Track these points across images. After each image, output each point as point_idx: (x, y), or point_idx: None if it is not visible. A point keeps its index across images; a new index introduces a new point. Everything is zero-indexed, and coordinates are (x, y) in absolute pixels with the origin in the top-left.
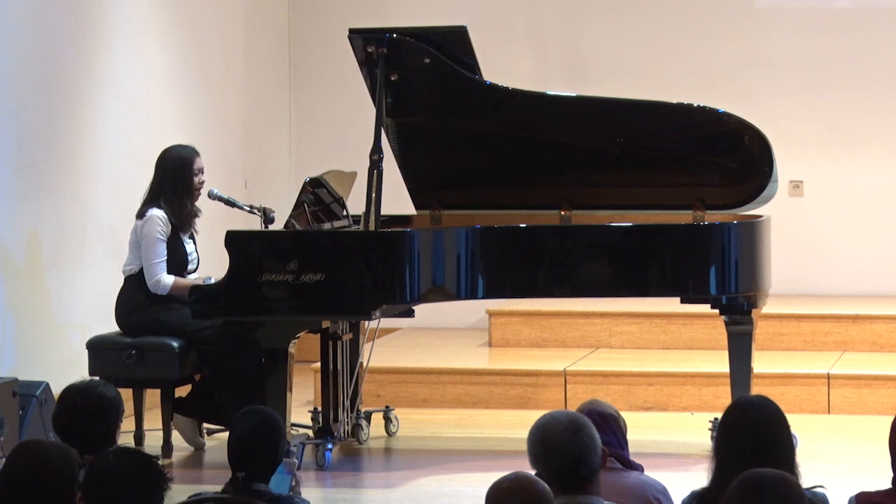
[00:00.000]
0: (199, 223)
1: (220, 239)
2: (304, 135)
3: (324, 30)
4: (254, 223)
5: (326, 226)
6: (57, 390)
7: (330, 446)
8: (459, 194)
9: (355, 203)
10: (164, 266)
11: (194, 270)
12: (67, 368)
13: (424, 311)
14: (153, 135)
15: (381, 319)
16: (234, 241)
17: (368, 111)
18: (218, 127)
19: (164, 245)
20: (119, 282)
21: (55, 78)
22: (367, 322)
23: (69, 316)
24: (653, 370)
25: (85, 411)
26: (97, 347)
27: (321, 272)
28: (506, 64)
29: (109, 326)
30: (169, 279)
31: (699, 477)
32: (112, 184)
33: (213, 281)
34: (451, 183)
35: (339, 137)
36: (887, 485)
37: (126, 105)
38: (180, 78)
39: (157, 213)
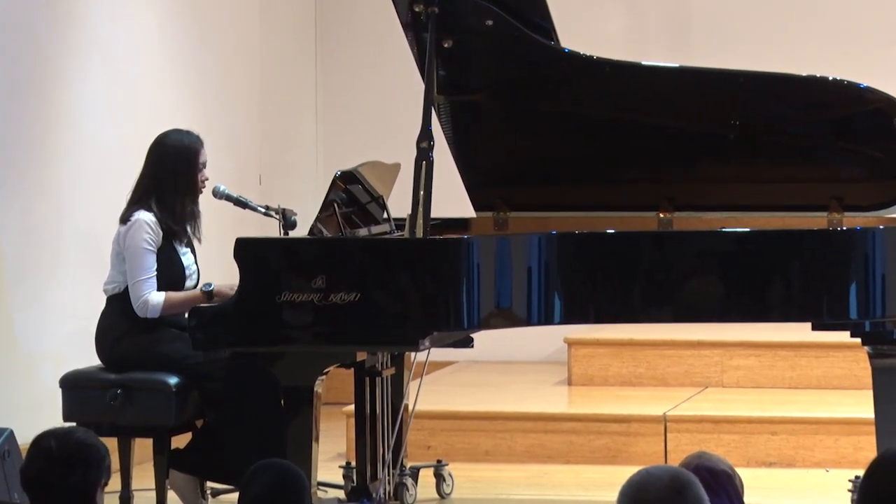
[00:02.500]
0: (202, 228)
1: (228, 249)
2: (333, 117)
3: None
4: (271, 229)
5: (362, 231)
6: (24, 439)
7: None
8: (530, 192)
9: (399, 203)
10: (152, 283)
11: (193, 287)
12: (36, 412)
13: (486, 341)
14: (144, 118)
15: (432, 350)
16: (246, 250)
17: (414, 87)
18: (226, 108)
19: (153, 256)
20: (100, 303)
21: (20, 47)
22: (413, 354)
23: (38, 346)
24: (776, 415)
25: (61, 459)
26: (74, 385)
27: (355, 291)
28: (591, 27)
29: (89, 359)
30: (158, 297)
31: None
32: (93, 179)
33: (214, 286)
34: (520, 177)
35: (377, 120)
36: None
37: (110, 81)
38: (179, 47)
39: (144, 217)
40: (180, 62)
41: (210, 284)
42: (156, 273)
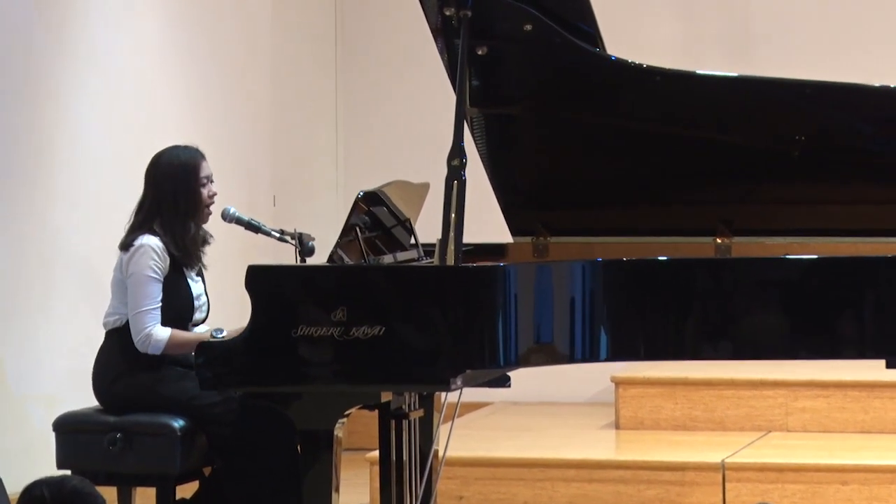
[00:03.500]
0: (211, 255)
1: (239, 277)
2: (355, 132)
3: None
4: (286, 255)
5: (387, 258)
6: (14, 488)
7: None
8: (573, 214)
9: (427, 227)
10: (157, 315)
11: (203, 320)
12: (27, 457)
13: (525, 380)
14: (146, 133)
15: (465, 391)
16: (259, 279)
17: (445, 99)
18: (235, 122)
19: (159, 286)
20: (98, 338)
21: (9, 55)
22: (444, 394)
23: (29, 385)
24: (847, 463)
25: None
26: (68, 429)
27: (380, 324)
28: (640, 32)
29: (85, 400)
30: (163, 333)
31: None
32: (89, 202)
33: (225, 335)
34: (562, 198)
35: (404, 135)
36: None
37: (109, 93)
38: (183, 55)
39: (150, 242)
40: (185, 72)
41: (221, 330)
42: (161, 304)
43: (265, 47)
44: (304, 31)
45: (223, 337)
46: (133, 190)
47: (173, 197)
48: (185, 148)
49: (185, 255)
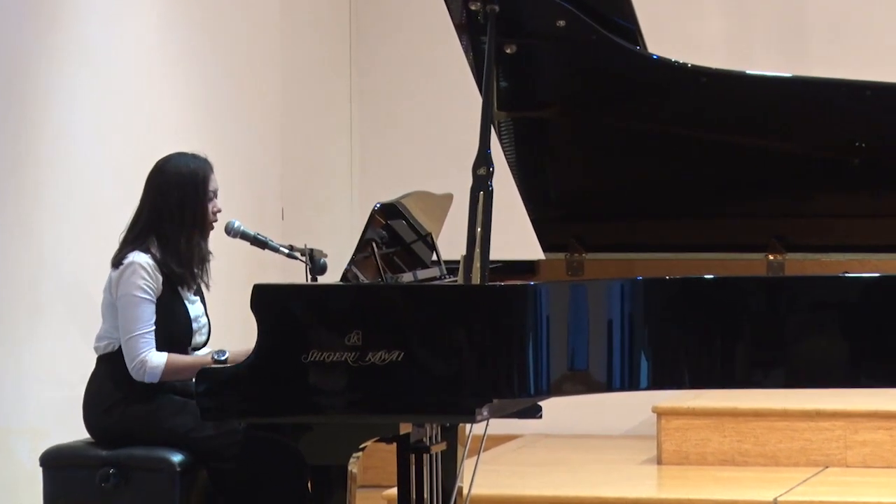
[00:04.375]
0: (213, 273)
1: (244, 297)
2: (371, 138)
3: None
4: (296, 273)
5: (406, 277)
6: None
7: None
8: (610, 228)
9: (450, 242)
10: (151, 339)
11: (203, 344)
12: (12, 496)
13: (558, 410)
14: (143, 141)
15: (491, 422)
16: (266, 300)
17: (470, 102)
18: (242, 126)
19: (152, 307)
20: (89, 364)
21: None
22: (468, 426)
23: (14, 417)
24: None
25: None
26: (57, 464)
27: (398, 349)
28: (685, 29)
29: (76, 432)
30: (159, 358)
31: None
32: (80, 215)
33: (227, 356)
34: (599, 211)
35: (425, 142)
36: None
37: (102, 96)
38: (184, 52)
39: (139, 259)
40: (186, 71)
41: (224, 352)
42: (154, 327)
43: (274, 44)
44: (316, 26)
45: (226, 359)
46: (129, 200)
47: (179, 208)
48: (195, 157)
49: (184, 274)
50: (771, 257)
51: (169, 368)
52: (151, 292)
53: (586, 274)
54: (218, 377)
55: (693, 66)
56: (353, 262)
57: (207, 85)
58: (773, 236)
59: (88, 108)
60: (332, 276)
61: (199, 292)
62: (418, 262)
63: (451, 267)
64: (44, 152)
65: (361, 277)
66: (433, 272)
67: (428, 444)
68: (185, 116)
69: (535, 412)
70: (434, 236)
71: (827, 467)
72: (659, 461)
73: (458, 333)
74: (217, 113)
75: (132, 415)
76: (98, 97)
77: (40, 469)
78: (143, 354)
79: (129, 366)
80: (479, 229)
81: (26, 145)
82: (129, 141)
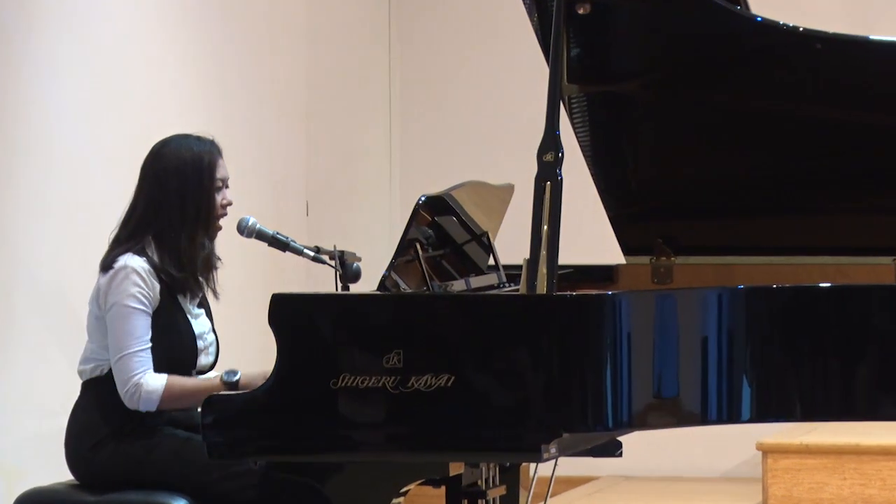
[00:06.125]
0: (222, 281)
1: (261, 309)
2: (413, 120)
3: None
4: (324, 280)
5: (458, 284)
6: None
7: None
8: (704, 227)
9: (510, 243)
10: (146, 358)
11: (211, 366)
12: None
13: (641, 447)
14: (139, 126)
15: (561, 461)
16: (287, 312)
17: (532, 75)
18: (259, 109)
19: (147, 320)
20: (73, 392)
21: None
22: (533, 466)
23: None
24: None
25: None
26: None
27: (447, 372)
28: None
29: (57, 472)
30: (157, 381)
31: None
32: (62, 212)
33: (239, 377)
34: (690, 206)
35: (476, 123)
36: None
37: (91, 71)
38: (189, 27)
39: (133, 263)
40: (192, 48)
41: (235, 373)
42: (150, 344)
43: (298, 14)
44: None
45: (237, 381)
46: (122, 195)
47: (180, 199)
48: (199, 139)
49: (188, 279)
50: None
51: (168, 394)
52: (147, 302)
53: (675, 282)
54: (229, 406)
55: (806, 29)
56: (392, 266)
57: (216, 53)
58: None
59: (73, 86)
60: (366, 284)
61: (204, 303)
62: (472, 267)
63: (512, 273)
64: (21, 139)
65: (403, 285)
66: (490, 279)
67: (484, 487)
68: (191, 96)
69: (613, 450)
70: (491, 236)
71: None
72: None
73: (521, 354)
74: (230, 93)
75: (124, 452)
76: (86, 75)
77: None
78: (138, 376)
79: (121, 390)
80: (545, 227)
81: (1, 131)
82: (122, 121)
